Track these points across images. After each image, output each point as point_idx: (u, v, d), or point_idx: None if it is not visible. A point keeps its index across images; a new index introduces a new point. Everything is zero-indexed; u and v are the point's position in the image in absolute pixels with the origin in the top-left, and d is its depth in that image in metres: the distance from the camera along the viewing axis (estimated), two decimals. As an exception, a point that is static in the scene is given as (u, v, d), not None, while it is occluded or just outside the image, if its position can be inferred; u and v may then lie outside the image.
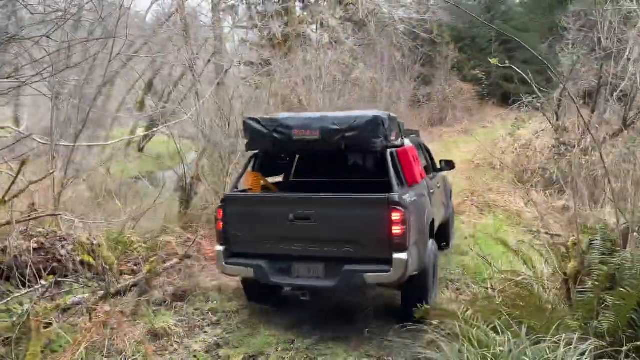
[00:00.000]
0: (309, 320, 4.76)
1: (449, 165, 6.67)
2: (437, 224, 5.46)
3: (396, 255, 4.03)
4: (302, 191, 5.05)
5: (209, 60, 15.67)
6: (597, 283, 3.57)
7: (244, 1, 22.33)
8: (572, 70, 10.48)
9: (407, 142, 5.22)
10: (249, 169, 5.06)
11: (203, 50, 15.35)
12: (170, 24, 15.30)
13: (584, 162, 9.13)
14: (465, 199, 9.36)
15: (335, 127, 4.36)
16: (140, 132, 16.93)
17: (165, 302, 5.21)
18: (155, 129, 12.30)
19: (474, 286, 5.19)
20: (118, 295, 5.12)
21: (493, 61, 4.08)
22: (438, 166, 6.66)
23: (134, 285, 5.39)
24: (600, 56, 9.64)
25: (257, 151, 4.98)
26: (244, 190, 5.09)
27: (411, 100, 20.16)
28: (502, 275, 4.42)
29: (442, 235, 6.22)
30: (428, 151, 6.64)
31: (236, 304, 5.21)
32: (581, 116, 9.05)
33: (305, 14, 23.61)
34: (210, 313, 5.03)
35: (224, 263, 4.60)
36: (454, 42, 25.86)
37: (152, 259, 5.63)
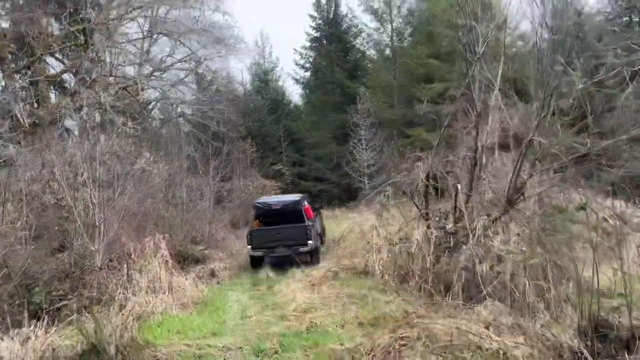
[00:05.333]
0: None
1: (320, 207, 15.63)
2: (319, 232, 13.74)
3: (309, 242, 11.69)
4: (271, 226, 12.59)
5: None
6: None
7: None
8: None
9: (307, 204, 13.15)
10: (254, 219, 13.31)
11: None
12: None
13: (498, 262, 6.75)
14: (400, 342, 4.78)
15: (287, 204, 13.04)
16: None
17: None
18: None
19: None
20: None
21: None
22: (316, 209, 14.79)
23: None
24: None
25: (256, 212, 13.25)
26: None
27: (218, 196, 16.42)
28: None
29: (320, 238, 13.88)
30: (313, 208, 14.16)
31: None
32: (470, 196, 6.77)
33: (62, 100, 18.43)
34: None
35: (252, 252, 11.90)
36: (250, 138, 23.85)
37: None
